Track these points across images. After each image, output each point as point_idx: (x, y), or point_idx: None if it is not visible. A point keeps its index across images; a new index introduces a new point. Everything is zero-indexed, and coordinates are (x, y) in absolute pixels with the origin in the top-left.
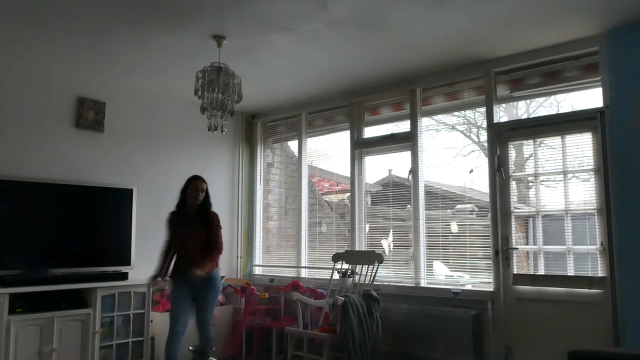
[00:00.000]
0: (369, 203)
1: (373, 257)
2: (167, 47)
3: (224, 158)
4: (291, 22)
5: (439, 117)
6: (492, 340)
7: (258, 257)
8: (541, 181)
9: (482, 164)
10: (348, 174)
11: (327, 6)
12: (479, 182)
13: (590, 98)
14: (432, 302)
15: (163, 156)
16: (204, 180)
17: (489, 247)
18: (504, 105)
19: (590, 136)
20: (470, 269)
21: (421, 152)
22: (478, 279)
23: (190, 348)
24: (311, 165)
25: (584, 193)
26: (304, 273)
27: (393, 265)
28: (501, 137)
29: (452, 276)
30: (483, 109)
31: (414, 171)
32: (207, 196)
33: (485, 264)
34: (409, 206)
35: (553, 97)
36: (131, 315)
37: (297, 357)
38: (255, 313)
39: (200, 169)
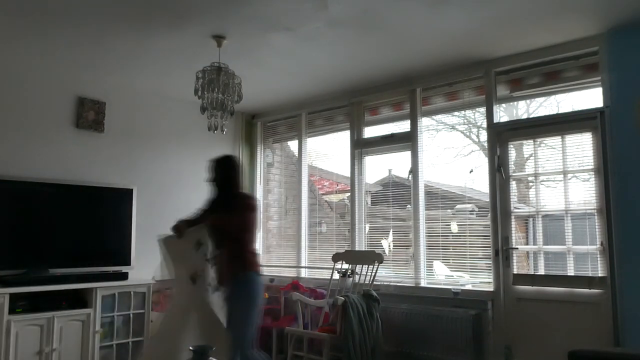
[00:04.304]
0: (369, 203)
1: (373, 257)
2: (167, 47)
3: None
4: (291, 22)
5: (439, 117)
6: (492, 340)
7: None
8: (541, 181)
9: (482, 164)
10: (348, 174)
11: (327, 6)
12: (479, 182)
13: (590, 98)
14: (432, 302)
15: (163, 156)
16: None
17: (489, 247)
18: (504, 105)
19: (590, 136)
20: (470, 269)
21: (421, 152)
22: (478, 279)
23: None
24: (311, 165)
25: (584, 193)
26: (304, 273)
27: (393, 265)
28: (501, 137)
29: (452, 276)
30: (483, 109)
31: (414, 171)
32: None
33: (485, 264)
34: (409, 206)
35: (553, 97)
36: (131, 315)
37: (297, 357)
38: None
39: (200, 169)
